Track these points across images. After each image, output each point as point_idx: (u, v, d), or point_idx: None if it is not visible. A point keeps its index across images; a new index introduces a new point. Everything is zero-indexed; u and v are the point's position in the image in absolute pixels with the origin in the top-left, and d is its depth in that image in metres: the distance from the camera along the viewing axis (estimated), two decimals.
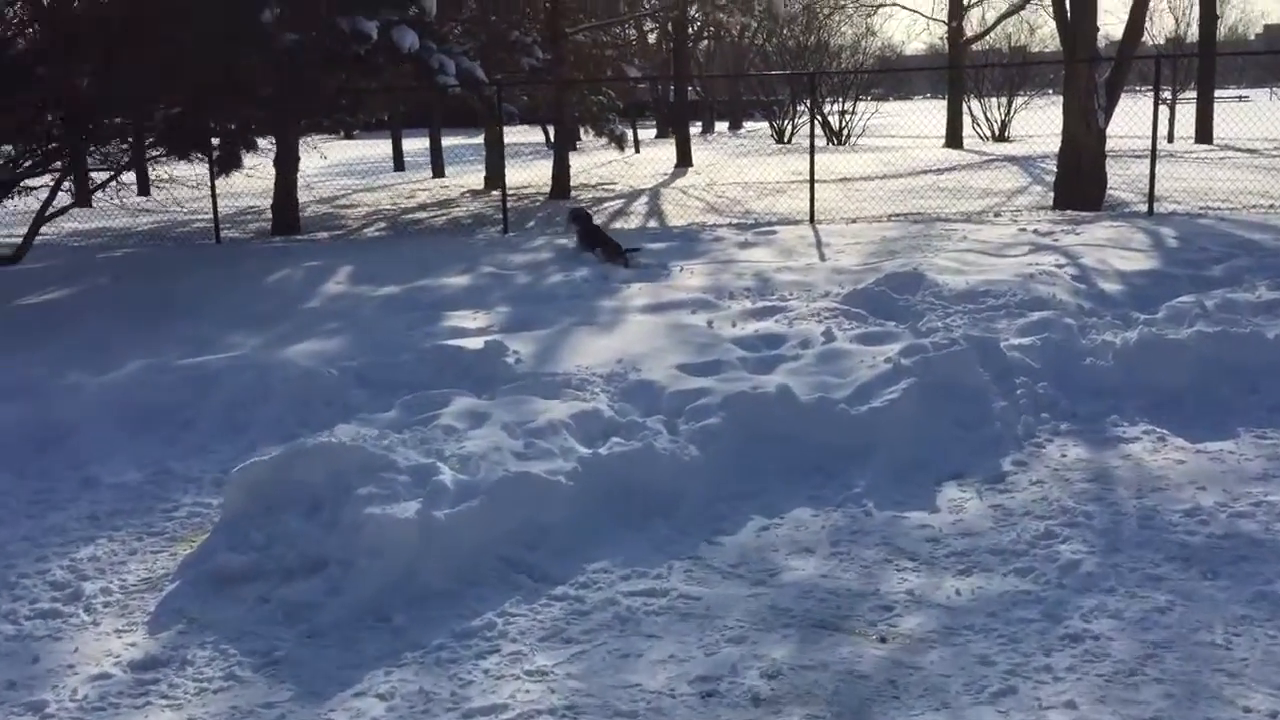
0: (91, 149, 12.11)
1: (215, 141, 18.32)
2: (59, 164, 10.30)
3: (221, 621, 4.30)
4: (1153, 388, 6.58)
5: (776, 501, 5.40)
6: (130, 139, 15.50)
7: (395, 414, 6.14)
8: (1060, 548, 4.72)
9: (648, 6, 23.30)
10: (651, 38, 33.45)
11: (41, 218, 10.22)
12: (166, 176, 16.71)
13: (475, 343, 7.27)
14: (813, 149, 15.12)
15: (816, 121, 40.13)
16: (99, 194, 22.19)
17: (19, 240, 10.43)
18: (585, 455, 5.32)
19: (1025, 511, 5.14)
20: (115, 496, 5.77)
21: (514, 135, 36.03)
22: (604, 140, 26.53)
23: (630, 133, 38.40)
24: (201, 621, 4.31)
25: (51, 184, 10.24)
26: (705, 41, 49.00)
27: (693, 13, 28.28)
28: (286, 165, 17.08)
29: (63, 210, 10.36)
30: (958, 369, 6.39)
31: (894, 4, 37.29)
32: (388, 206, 20.90)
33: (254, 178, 16.95)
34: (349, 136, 57.51)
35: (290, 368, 7.10)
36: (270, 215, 17.30)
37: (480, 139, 27.10)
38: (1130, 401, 6.48)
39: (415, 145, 36.88)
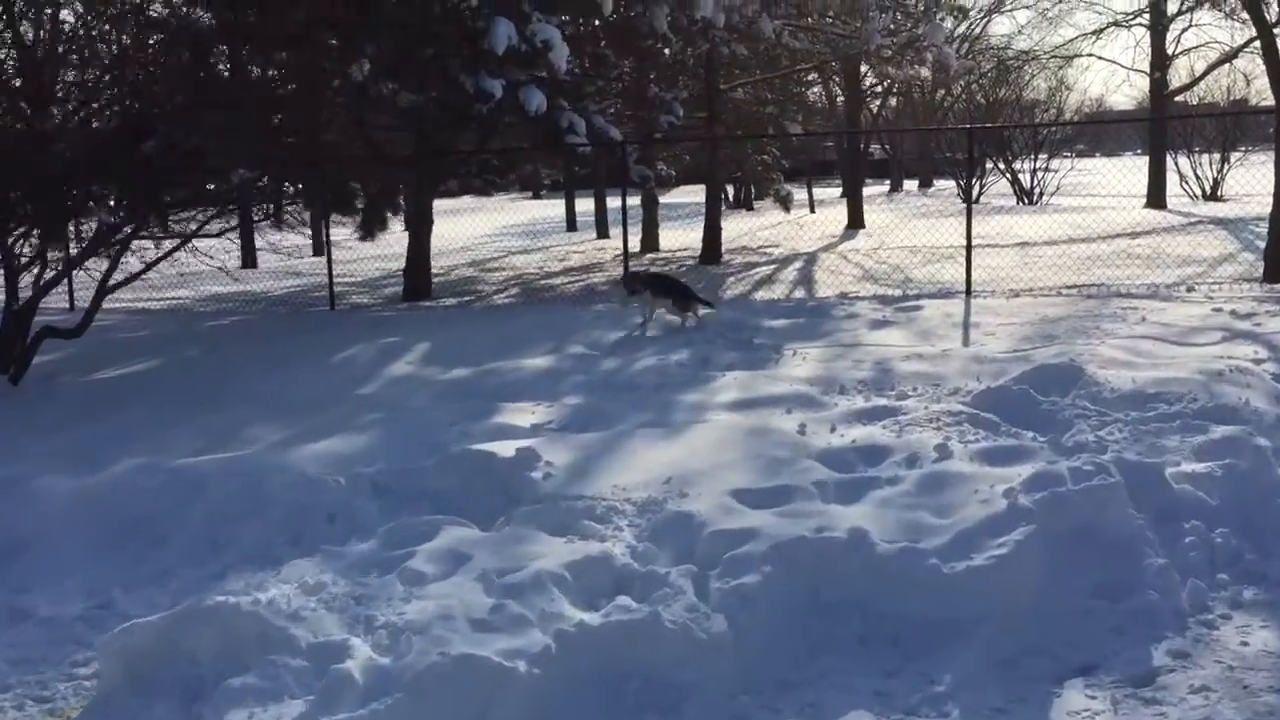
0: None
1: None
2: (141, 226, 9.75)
3: None
4: None
5: (826, 699, 3.99)
6: (274, 203, 15.28)
7: (371, 546, 5.02)
8: None
9: (811, 61, 21.97)
10: (813, 92, 32.06)
11: (104, 289, 9.66)
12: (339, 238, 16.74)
13: (509, 449, 6.07)
14: (969, 212, 13.41)
15: (999, 179, 38.16)
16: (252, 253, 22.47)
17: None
18: (569, 627, 4.02)
19: None
20: (35, 637, 4.81)
21: (691, 195, 35.28)
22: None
23: (806, 192, 37.23)
24: None
25: (113, 254, 9.65)
26: (895, 98, 47.34)
27: (864, 69, 26.78)
28: (418, 228, 16.46)
29: (126, 281, 9.76)
30: (1100, 510, 4.82)
31: (1089, 55, 34.77)
32: (533, 270, 20.15)
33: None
34: (536, 196, 58.31)
35: (292, 473, 6.07)
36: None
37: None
38: None
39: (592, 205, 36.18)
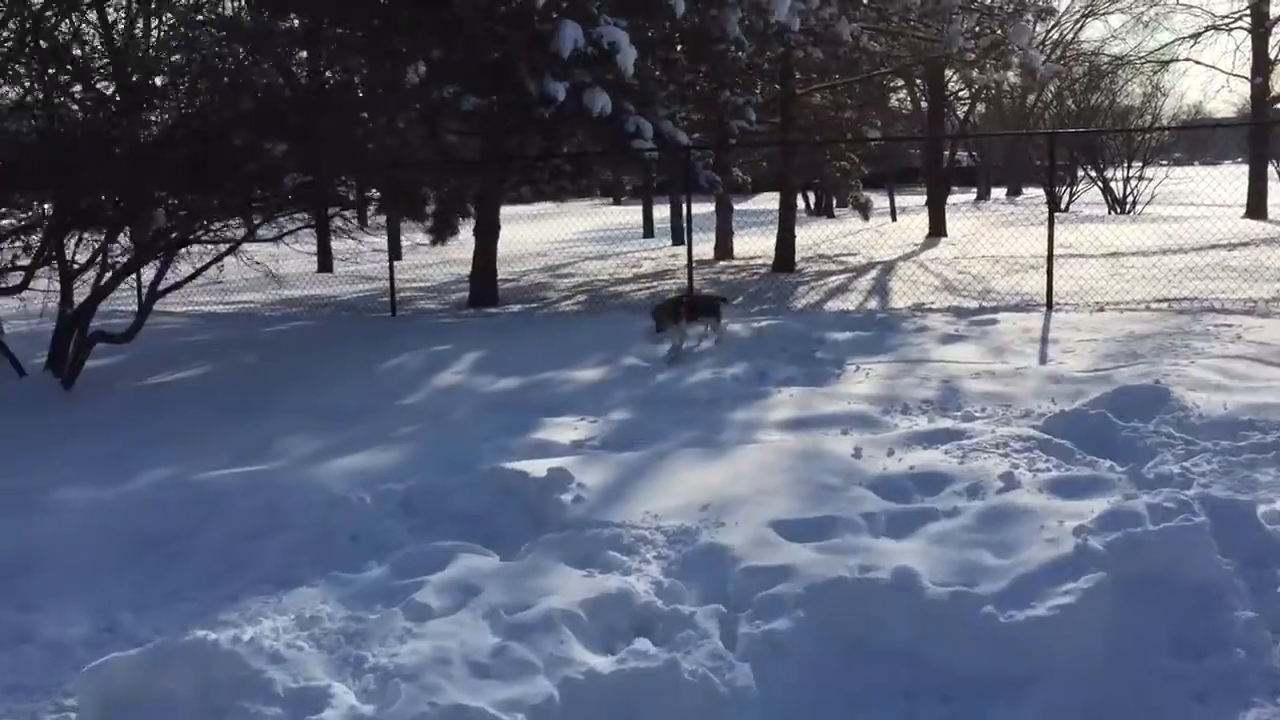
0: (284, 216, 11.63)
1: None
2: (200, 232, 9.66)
3: None
4: None
5: None
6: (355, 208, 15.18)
7: (382, 573, 4.71)
8: None
9: (892, 65, 21.36)
10: (899, 97, 31.30)
11: (155, 293, 9.57)
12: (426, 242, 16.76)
13: (541, 469, 5.74)
14: (1051, 220, 12.77)
15: (1091, 188, 36.93)
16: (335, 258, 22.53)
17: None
18: (577, 674, 3.65)
19: None
20: (34, 661, 4.56)
21: (770, 201, 34.77)
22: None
23: (888, 199, 36.45)
24: None
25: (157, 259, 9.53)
26: (983, 104, 46.26)
27: (950, 75, 26.05)
28: (485, 234, 16.25)
29: (176, 285, 9.65)
30: (1182, 555, 4.32)
31: (1186, 60, 33.51)
32: (604, 277, 19.87)
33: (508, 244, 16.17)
34: (617, 202, 58.06)
35: (315, 491, 5.79)
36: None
37: (738, 206, 25.81)
38: None
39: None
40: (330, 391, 8.43)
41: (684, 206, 27.50)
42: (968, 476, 5.51)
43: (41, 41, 9.22)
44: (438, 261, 20.26)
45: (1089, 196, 38.21)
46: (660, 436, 6.63)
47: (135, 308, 14.79)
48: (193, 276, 9.79)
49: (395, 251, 27.77)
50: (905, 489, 5.45)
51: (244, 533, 5.55)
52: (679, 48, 16.86)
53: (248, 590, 5.02)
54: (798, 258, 19.80)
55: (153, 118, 10.22)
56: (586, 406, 7.51)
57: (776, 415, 7.05)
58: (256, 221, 10.35)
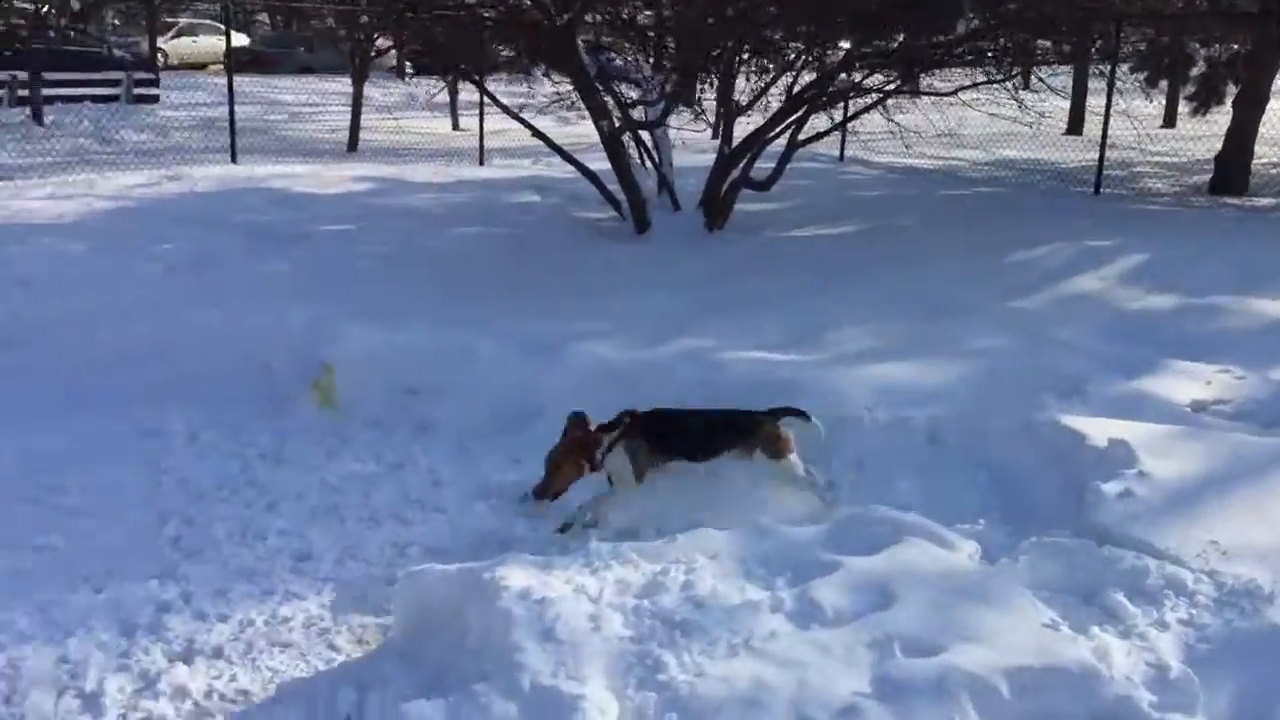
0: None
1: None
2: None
3: None
4: None
5: None
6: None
7: (815, 534, 3.68)
8: None
9: None
10: None
11: (795, 144, 9.01)
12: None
13: (1103, 435, 4.22)
14: None
15: None
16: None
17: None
18: None
19: None
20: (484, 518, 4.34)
21: None
22: None
23: None
24: None
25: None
26: None
27: None
28: (1245, 106, 13.39)
29: (815, 138, 8.96)
30: None
31: None
32: None
33: None
34: None
35: (831, 398, 4.89)
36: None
37: None
38: None
39: None
40: (946, 277, 7.29)
41: None
42: None
43: None
44: (1211, 135, 17.09)
45: None
46: None
47: (836, 154, 14.57)
48: (829, 131, 9.12)
49: (1170, 119, 24.73)
50: None
51: None
52: None
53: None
54: None
55: None
56: (1247, 353, 5.56)
57: None
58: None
